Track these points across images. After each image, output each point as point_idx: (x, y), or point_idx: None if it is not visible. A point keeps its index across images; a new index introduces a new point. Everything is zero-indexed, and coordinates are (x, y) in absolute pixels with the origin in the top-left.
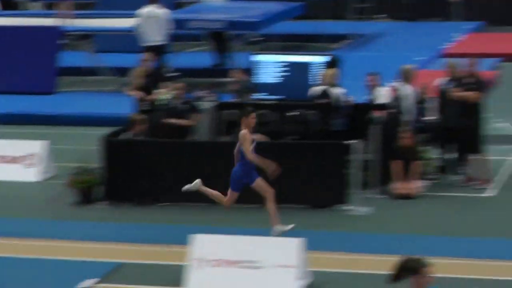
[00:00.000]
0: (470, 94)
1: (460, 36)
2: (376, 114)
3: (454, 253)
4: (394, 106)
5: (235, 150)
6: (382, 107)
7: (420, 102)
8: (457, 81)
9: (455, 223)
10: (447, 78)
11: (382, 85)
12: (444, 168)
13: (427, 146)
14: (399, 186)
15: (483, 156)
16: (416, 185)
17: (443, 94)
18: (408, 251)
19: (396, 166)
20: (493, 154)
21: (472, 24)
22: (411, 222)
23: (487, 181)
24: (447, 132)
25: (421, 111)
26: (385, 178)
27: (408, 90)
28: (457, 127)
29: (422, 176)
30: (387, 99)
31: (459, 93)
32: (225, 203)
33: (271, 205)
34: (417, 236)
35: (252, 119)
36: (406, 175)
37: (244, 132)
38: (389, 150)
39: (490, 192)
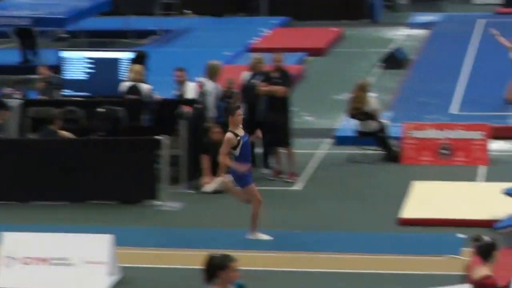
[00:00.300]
0: (276, 89)
1: (266, 31)
2: (184, 109)
3: (263, 246)
4: (200, 102)
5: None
6: (189, 102)
7: (228, 97)
8: (264, 75)
9: (263, 217)
10: (253, 73)
11: (189, 80)
12: (253, 162)
13: None
14: (208, 181)
15: (291, 150)
16: (224, 180)
17: (250, 89)
18: (218, 245)
19: (204, 160)
20: (300, 147)
21: (278, 19)
22: (221, 216)
23: (295, 175)
24: (255, 126)
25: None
26: (194, 173)
27: (212, 86)
28: (265, 121)
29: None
30: (194, 94)
31: (266, 88)
32: (257, 201)
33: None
34: (227, 230)
35: (238, 116)
36: (215, 169)
37: (228, 136)
38: (198, 145)
39: (297, 185)
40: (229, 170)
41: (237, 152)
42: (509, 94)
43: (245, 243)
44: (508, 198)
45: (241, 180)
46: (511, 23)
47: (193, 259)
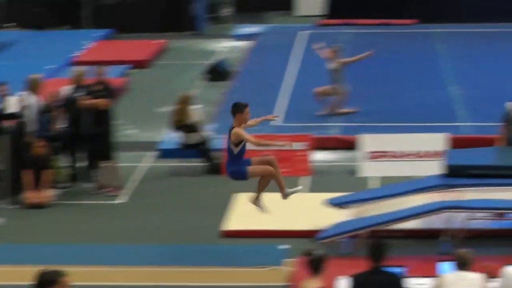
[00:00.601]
0: (99, 102)
1: (89, 44)
2: (6, 124)
3: (90, 260)
4: (22, 116)
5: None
6: (11, 116)
7: (49, 110)
8: (86, 88)
9: (88, 231)
10: (75, 86)
11: (11, 94)
12: (76, 176)
13: (58, 155)
14: (30, 196)
15: (114, 163)
16: (47, 194)
17: (72, 102)
18: (43, 261)
19: (27, 175)
20: (124, 161)
21: (101, 32)
22: (45, 231)
23: (118, 188)
24: (78, 140)
25: (51, 119)
26: (17, 188)
27: (33, 100)
28: (88, 134)
29: (54, 184)
30: (16, 108)
31: (88, 101)
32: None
33: (277, 176)
34: (52, 245)
35: (246, 114)
36: (38, 184)
37: (235, 129)
38: (20, 160)
39: (121, 198)
40: (227, 169)
41: (237, 149)
42: (318, 89)
43: (72, 258)
44: (331, 208)
45: (239, 173)
46: (333, 34)
47: (18, 275)
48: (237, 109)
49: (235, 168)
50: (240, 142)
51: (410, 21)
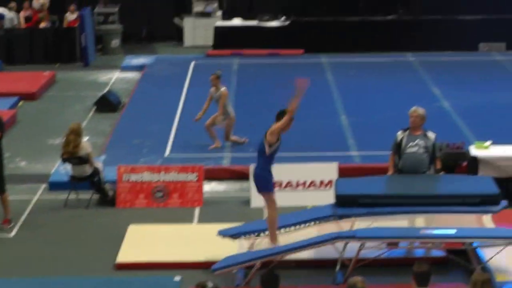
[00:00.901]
0: None
1: None
2: None
3: None
4: None
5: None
6: None
7: None
8: None
9: None
10: None
11: None
12: None
13: None
14: None
15: (5, 196)
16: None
17: None
18: None
19: None
20: (14, 193)
21: None
22: None
23: (9, 222)
24: None
25: None
26: None
27: None
28: None
29: None
30: None
31: None
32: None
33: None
34: None
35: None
36: None
37: (272, 127)
38: None
39: (13, 232)
40: (256, 174)
41: (269, 150)
42: (208, 121)
43: None
44: (223, 239)
45: (264, 181)
46: (218, 64)
47: None
48: (282, 116)
49: (262, 172)
50: (275, 142)
51: (296, 51)
